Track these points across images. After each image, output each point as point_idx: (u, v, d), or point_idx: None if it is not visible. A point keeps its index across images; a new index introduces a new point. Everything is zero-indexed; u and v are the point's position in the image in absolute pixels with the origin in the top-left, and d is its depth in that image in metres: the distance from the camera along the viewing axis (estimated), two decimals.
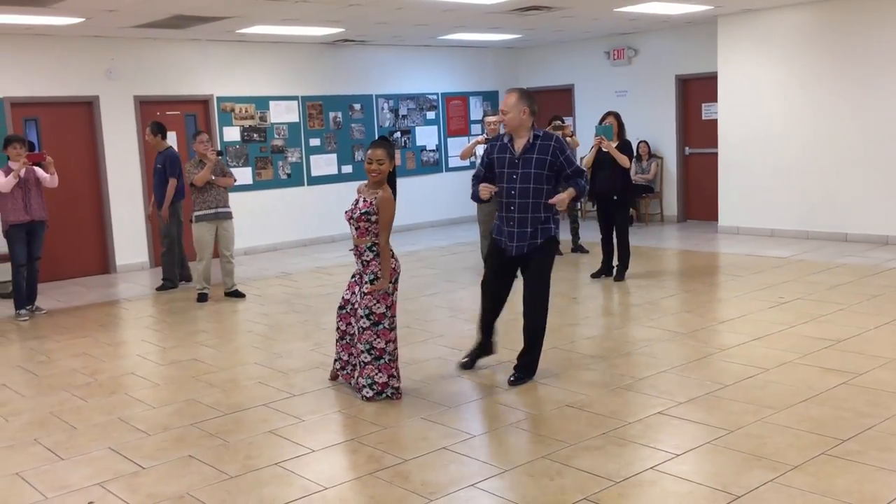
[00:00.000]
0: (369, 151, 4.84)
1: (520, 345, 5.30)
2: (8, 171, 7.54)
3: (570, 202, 5.06)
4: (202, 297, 8.19)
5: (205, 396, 5.24)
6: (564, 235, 10.24)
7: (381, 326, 4.88)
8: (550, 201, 5.01)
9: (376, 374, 4.92)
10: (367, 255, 4.87)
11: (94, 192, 10.10)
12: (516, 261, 5.18)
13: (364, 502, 3.67)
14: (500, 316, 5.44)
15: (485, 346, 5.51)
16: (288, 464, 4.11)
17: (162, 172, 8.69)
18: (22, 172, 7.56)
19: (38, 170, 7.72)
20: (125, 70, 10.13)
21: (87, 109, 9.97)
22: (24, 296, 7.82)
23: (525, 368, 5.24)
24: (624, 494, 3.63)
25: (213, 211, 8.04)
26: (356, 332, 4.97)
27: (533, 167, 5.00)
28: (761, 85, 10.61)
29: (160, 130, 8.89)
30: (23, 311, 7.81)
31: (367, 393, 4.92)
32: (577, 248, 10.05)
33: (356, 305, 4.99)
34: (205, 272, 8.20)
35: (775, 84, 10.48)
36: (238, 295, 8.33)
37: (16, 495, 3.89)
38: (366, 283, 4.87)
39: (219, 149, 8.00)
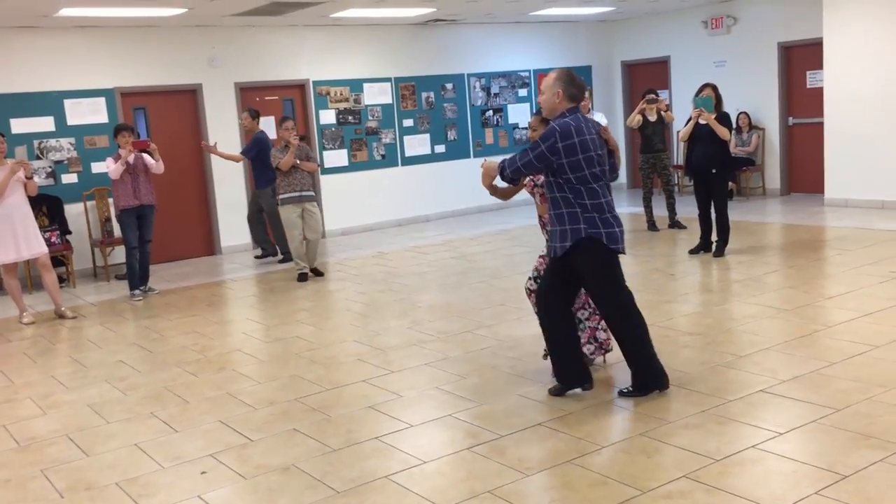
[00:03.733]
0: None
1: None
2: (117, 159, 7.92)
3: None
4: (302, 277, 8.46)
5: (307, 372, 5.42)
6: (660, 211, 10.13)
7: None
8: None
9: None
10: None
11: (199, 176, 10.50)
12: (563, 262, 4.48)
13: (462, 476, 3.73)
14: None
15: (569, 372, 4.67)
16: (387, 438, 4.21)
17: (257, 153, 9.07)
18: (131, 159, 7.93)
19: (146, 157, 8.08)
20: (226, 58, 10.45)
21: (191, 97, 10.36)
22: (137, 277, 8.23)
23: (634, 381, 4.58)
24: (725, 473, 3.57)
25: (297, 194, 8.33)
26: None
27: None
28: (870, 49, 10.08)
29: (258, 115, 9.37)
30: (137, 292, 8.22)
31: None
32: (675, 224, 9.84)
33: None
34: (298, 252, 8.48)
35: (886, 48, 9.94)
36: (318, 274, 8.62)
37: (135, 465, 4.13)
38: None
39: (302, 134, 8.36)
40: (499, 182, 4.61)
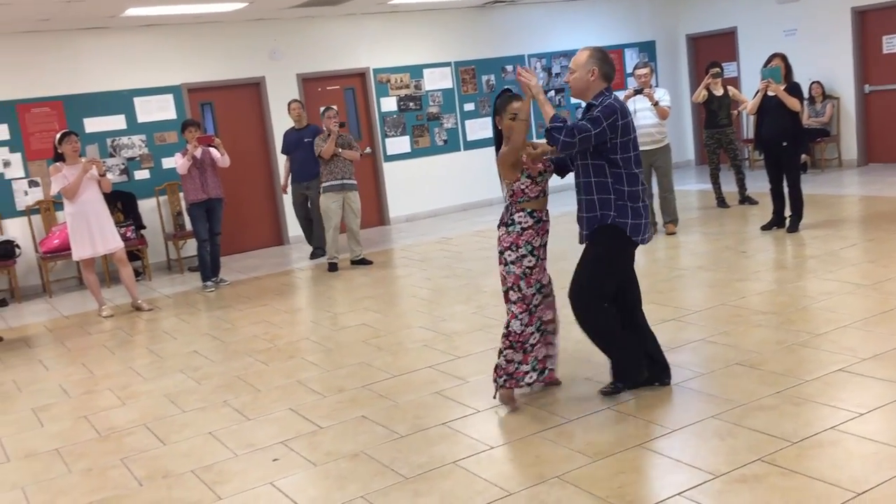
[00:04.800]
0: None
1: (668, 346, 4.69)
2: (185, 154, 8.09)
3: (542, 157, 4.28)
4: (333, 267, 8.54)
5: (374, 360, 5.46)
6: (729, 187, 9.86)
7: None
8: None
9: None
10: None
11: (265, 168, 10.66)
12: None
13: (530, 461, 3.71)
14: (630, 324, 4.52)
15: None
16: (455, 423, 4.22)
17: (310, 145, 9.00)
18: (198, 153, 8.09)
19: (213, 151, 8.24)
20: (287, 50, 10.57)
21: (255, 90, 10.51)
22: (208, 269, 8.42)
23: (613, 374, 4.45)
24: (802, 455, 3.46)
25: (338, 182, 8.38)
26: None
27: None
28: None
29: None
30: (208, 283, 8.41)
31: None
32: (745, 200, 9.58)
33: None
34: (332, 242, 8.54)
35: None
36: (365, 262, 8.65)
37: (210, 452, 4.23)
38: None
39: (342, 121, 8.37)
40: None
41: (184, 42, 9.96)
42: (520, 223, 4.25)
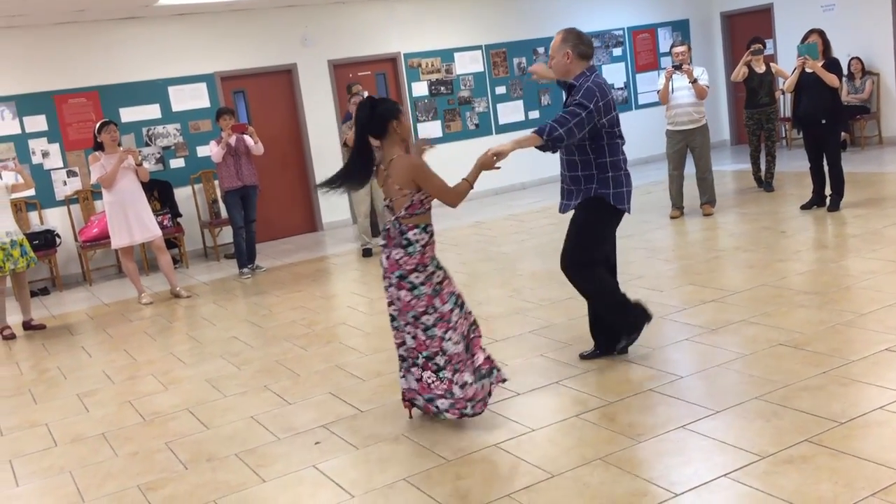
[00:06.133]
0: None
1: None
2: (220, 142, 8.15)
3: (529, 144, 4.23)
4: (367, 253, 8.56)
5: None
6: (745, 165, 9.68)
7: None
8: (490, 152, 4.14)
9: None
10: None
11: (298, 155, 10.71)
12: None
13: (572, 443, 3.70)
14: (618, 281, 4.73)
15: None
16: (495, 406, 4.20)
17: None
18: (232, 141, 8.14)
19: (248, 138, 8.28)
20: (318, 36, 10.57)
21: (287, 77, 10.54)
22: (244, 255, 8.49)
23: (600, 341, 4.67)
24: (850, 436, 3.41)
25: None
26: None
27: None
28: None
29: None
30: (245, 270, 8.48)
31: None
32: (768, 185, 9.21)
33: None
34: (363, 227, 8.59)
35: None
36: None
37: (253, 436, 4.27)
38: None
39: None
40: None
41: (216, 30, 10.01)
42: (417, 241, 3.91)
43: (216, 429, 4.44)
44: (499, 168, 4.15)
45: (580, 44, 4.25)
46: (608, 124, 4.26)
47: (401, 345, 4.05)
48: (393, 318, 4.04)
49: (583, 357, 4.70)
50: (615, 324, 4.62)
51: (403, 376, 4.11)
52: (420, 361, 3.97)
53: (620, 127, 4.39)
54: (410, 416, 4.19)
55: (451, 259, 8.00)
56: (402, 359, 4.09)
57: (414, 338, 3.95)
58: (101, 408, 5.01)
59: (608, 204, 4.36)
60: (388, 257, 3.96)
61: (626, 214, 4.50)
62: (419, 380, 4.01)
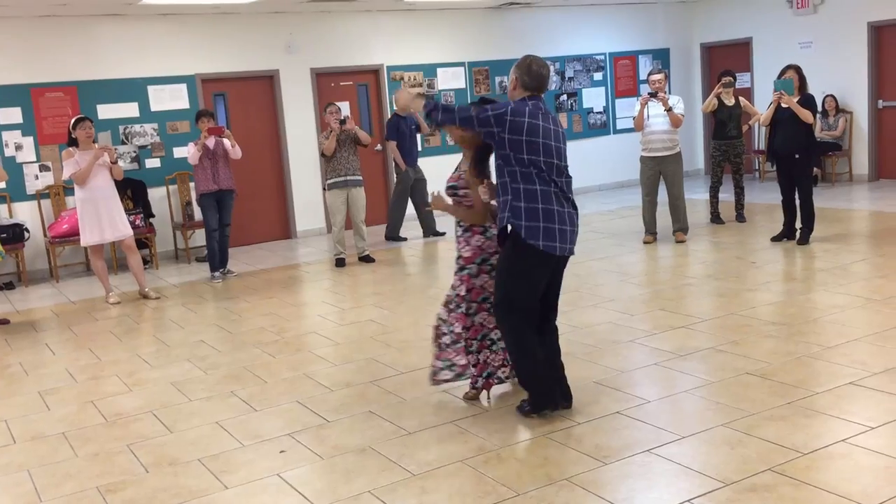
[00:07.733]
0: None
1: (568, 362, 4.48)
2: (197, 143, 8.09)
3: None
4: (340, 262, 8.56)
5: (382, 356, 5.45)
6: (728, 196, 9.81)
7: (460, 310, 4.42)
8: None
9: (455, 357, 4.50)
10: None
11: (276, 161, 10.66)
12: None
13: (538, 463, 3.70)
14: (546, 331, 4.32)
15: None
16: (463, 422, 4.19)
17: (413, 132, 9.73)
18: (211, 143, 8.09)
19: (226, 142, 8.23)
20: (302, 44, 10.56)
21: (268, 83, 10.51)
22: (217, 260, 8.42)
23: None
24: (812, 467, 3.45)
25: (342, 179, 8.41)
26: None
27: None
28: None
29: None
30: (216, 274, 8.41)
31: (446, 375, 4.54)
32: (739, 217, 9.29)
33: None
34: (337, 237, 8.58)
35: None
36: (369, 260, 8.66)
37: (217, 442, 4.22)
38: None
39: (341, 118, 8.32)
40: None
41: (199, 32, 9.96)
42: (490, 226, 4.39)
43: (180, 433, 4.38)
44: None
45: (526, 75, 4.11)
46: (511, 144, 3.97)
47: (469, 328, 4.39)
48: (458, 306, 4.40)
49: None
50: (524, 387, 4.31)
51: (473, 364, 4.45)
52: (475, 346, 4.41)
53: (559, 163, 4.06)
54: (489, 398, 4.49)
55: (421, 273, 7.99)
56: (467, 346, 4.43)
57: (482, 322, 4.38)
58: (63, 406, 4.93)
59: (520, 238, 3.97)
60: (468, 244, 4.37)
61: (568, 255, 4.10)
62: (476, 364, 4.43)
